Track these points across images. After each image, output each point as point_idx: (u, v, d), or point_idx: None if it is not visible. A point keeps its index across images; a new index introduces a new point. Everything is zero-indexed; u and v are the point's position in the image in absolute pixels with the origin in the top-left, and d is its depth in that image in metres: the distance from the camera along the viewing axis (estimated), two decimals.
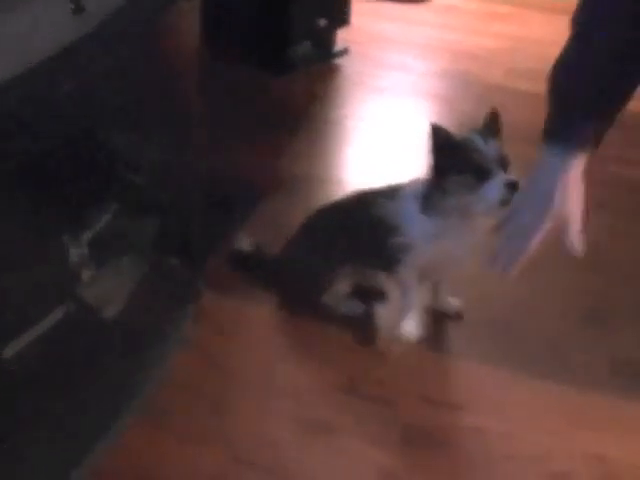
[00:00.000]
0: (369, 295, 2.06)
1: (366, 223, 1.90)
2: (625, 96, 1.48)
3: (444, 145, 1.75)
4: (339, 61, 3.23)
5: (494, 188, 1.71)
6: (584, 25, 1.46)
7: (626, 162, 2.61)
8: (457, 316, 2.02)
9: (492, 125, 1.79)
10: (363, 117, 2.89)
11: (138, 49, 1.52)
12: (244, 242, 2.13)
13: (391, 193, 1.89)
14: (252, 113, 2.85)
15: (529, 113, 2.74)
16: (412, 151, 2.66)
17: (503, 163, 1.74)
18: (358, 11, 3.33)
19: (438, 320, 2.01)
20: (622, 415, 1.78)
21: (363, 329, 1.97)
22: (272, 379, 1.85)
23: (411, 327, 1.94)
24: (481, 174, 1.72)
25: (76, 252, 1.53)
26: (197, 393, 1.80)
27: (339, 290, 2.00)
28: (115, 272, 1.65)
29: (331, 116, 2.90)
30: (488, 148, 1.74)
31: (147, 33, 1.54)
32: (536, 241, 1.60)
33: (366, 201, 1.92)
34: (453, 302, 2.03)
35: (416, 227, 1.84)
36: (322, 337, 1.94)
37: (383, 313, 2.02)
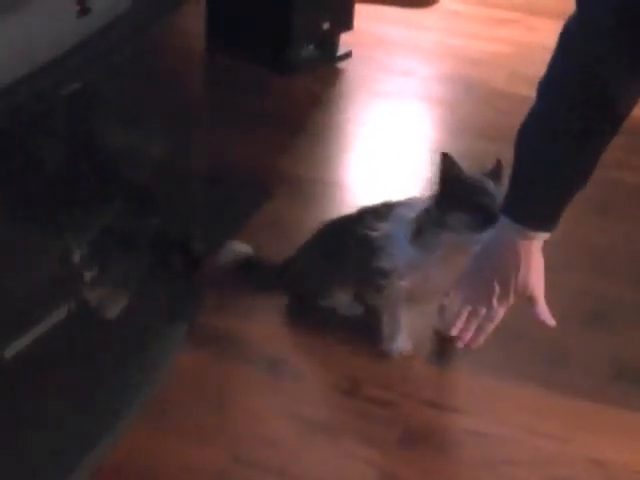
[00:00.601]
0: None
1: (355, 242, 1.89)
2: (586, 174, 1.49)
3: (454, 179, 1.74)
4: (342, 65, 3.23)
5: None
6: (545, 97, 1.46)
7: (627, 167, 2.61)
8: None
9: (497, 172, 1.78)
10: (366, 121, 2.89)
11: (143, 50, 1.52)
12: (238, 248, 2.12)
13: (383, 213, 1.88)
14: (255, 115, 2.85)
15: None
16: (414, 155, 2.66)
17: None
18: (362, 15, 3.33)
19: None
20: (623, 419, 1.78)
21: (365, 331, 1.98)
22: (274, 379, 1.85)
23: (401, 343, 1.93)
24: (487, 218, 1.69)
25: (77, 252, 1.53)
26: (198, 392, 1.80)
27: (339, 297, 2.00)
28: (116, 272, 1.66)
29: (334, 119, 2.91)
30: (498, 193, 1.72)
31: (152, 34, 1.54)
32: (500, 315, 1.65)
33: (359, 219, 1.91)
34: None
35: (401, 253, 1.82)
36: (325, 339, 1.95)
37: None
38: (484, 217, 1.70)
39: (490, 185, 1.73)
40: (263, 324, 2.00)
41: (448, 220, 1.75)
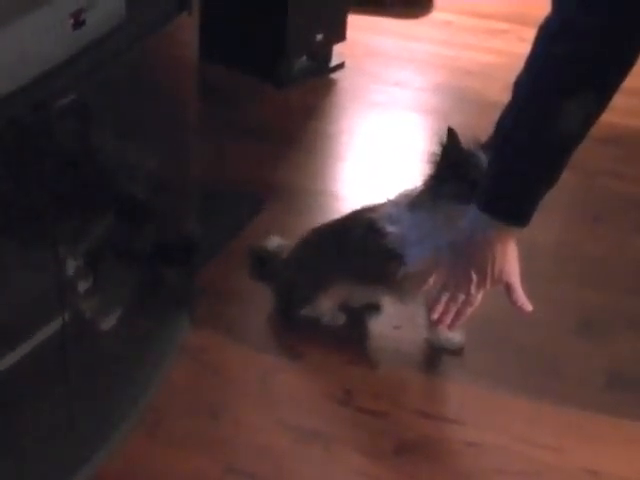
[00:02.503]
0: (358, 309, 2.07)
1: (360, 233, 1.89)
2: (557, 174, 1.53)
3: (454, 152, 1.77)
4: (335, 75, 3.24)
5: None
6: (521, 98, 1.50)
7: (621, 177, 2.62)
8: (458, 351, 1.97)
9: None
10: (359, 131, 2.90)
11: (137, 62, 1.53)
12: (272, 242, 2.14)
13: (380, 204, 1.91)
14: (248, 126, 2.86)
15: None
16: (408, 166, 2.67)
17: None
18: (354, 26, 3.34)
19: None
20: (617, 430, 1.79)
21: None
22: (270, 388, 1.85)
23: (451, 334, 1.93)
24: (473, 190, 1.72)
25: (72, 264, 1.53)
26: (195, 401, 1.80)
27: (322, 305, 2.00)
28: (112, 282, 1.66)
29: (327, 130, 2.91)
30: None
31: (146, 46, 1.55)
32: (478, 300, 1.69)
33: (360, 218, 1.92)
34: (453, 337, 1.96)
35: (409, 228, 1.84)
36: (318, 348, 1.95)
37: (376, 326, 2.03)
38: (470, 189, 1.72)
39: (482, 159, 1.74)
40: (260, 333, 2.00)
41: (445, 189, 1.77)
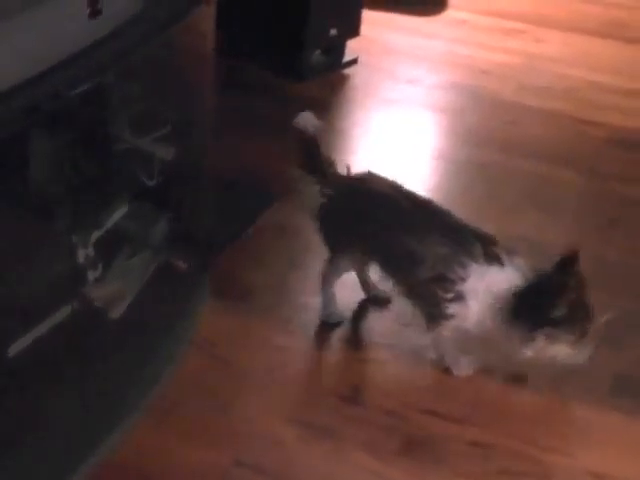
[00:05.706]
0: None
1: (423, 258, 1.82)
2: None
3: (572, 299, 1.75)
4: (348, 71, 3.24)
5: (587, 347, 1.76)
6: None
7: (635, 181, 2.61)
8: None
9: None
10: (371, 127, 2.89)
11: (153, 53, 1.53)
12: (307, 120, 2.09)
13: (474, 254, 1.78)
14: (261, 119, 2.85)
15: (540, 130, 2.74)
16: (419, 163, 2.66)
17: None
18: (369, 22, 3.33)
19: None
20: (624, 433, 1.79)
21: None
22: (279, 383, 1.86)
23: (465, 365, 1.90)
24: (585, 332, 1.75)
25: (83, 252, 1.53)
26: (203, 393, 1.81)
27: (345, 265, 1.99)
28: (122, 272, 1.66)
29: (339, 125, 2.91)
30: None
31: (164, 36, 1.54)
32: None
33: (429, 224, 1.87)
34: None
35: (477, 319, 1.78)
36: (327, 344, 1.95)
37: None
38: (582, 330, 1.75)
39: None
40: (267, 329, 2.00)
41: (546, 333, 1.75)
